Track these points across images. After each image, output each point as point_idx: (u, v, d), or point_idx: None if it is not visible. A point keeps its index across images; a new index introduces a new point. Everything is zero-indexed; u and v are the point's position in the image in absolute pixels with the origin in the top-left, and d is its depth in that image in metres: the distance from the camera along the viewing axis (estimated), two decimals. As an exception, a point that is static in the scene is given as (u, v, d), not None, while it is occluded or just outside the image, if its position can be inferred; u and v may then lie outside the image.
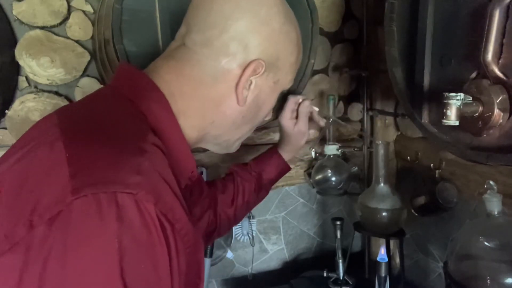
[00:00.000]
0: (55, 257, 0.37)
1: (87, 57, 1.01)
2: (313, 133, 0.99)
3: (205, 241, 0.90)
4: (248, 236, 1.32)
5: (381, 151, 1.08)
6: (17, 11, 0.94)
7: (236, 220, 0.91)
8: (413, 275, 1.27)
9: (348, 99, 1.34)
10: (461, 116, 0.70)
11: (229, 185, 0.90)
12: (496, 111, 0.71)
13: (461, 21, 0.78)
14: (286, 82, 0.66)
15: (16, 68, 0.97)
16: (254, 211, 1.20)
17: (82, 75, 1.02)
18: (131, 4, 0.90)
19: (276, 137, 1.19)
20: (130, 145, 0.46)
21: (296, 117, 0.91)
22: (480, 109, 0.73)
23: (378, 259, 0.96)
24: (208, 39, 0.57)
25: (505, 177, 0.90)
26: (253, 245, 1.34)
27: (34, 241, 0.38)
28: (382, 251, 0.97)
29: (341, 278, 1.21)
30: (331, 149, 1.16)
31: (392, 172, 1.30)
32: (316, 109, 0.93)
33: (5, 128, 0.97)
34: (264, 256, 1.42)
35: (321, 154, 1.21)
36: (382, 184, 1.09)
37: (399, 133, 1.30)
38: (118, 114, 0.52)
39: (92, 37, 1.01)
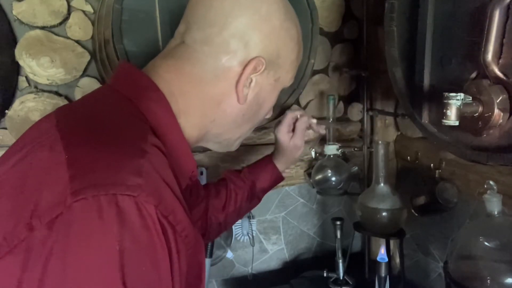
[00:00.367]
0: (55, 259, 0.37)
1: (87, 57, 1.01)
2: (312, 133, 0.98)
3: None
4: (248, 236, 1.32)
5: (381, 151, 1.08)
6: (17, 11, 0.94)
7: (226, 226, 0.90)
8: (413, 275, 1.27)
9: (348, 99, 1.34)
10: (461, 116, 0.70)
11: (222, 190, 0.89)
12: (496, 111, 0.71)
13: (461, 21, 0.78)
14: (287, 79, 0.65)
15: (16, 68, 0.97)
16: (254, 211, 1.20)
17: (82, 75, 1.02)
18: (131, 4, 0.90)
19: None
20: (130, 146, 0.45)
21: (293, 130, 0.90)
22: (480, 109, 0.73)
23: (378, 259, 0.96)
24: (208, 36, 0.56)
25: (505, 177, 0.90)
26: (253, 245, 1.34)
27: (34, 244, 0.37)
28: (382, 251, 0.97)
29: (341, 278, 1.20)
30: (331, 149, 1.16)
31: (392, 172, 1.29)
32: (314, 121, 0.92)
33: (5, 128, 0.97)
34: (264, 256, 1.42)
35: (321, 154, 1.21)
36: (382, 184, 1.09)
37: (399, 133, 1.30)
38: (117, 114, 0.51)
39: (92, 37, 1.01)
